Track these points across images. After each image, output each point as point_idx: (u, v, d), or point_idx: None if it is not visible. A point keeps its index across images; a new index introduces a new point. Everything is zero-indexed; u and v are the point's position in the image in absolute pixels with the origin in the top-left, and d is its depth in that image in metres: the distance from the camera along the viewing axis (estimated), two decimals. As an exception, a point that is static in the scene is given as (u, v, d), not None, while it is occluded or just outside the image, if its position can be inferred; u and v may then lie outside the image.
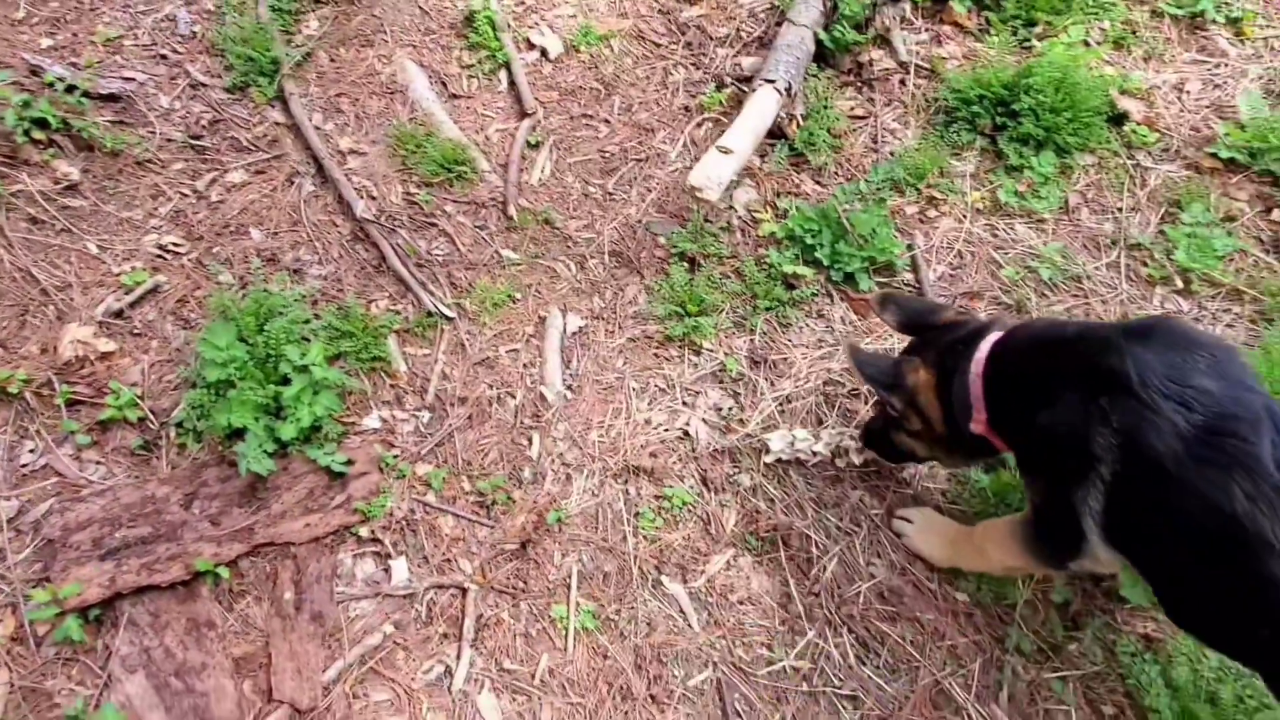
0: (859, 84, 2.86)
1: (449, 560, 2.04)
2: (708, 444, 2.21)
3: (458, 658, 1.91)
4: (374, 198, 2.61)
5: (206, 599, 1.94)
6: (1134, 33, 2.92)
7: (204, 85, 2.79)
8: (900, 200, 2.61)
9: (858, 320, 2.41)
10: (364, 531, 2.05)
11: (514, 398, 2.28)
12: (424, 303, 2.39)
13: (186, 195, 2.57)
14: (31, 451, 2.09)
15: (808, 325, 2.40)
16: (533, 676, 1.90)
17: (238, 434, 2.05)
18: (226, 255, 2.47)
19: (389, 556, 2.03)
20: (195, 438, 2.12)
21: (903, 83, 2.85)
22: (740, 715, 1.87)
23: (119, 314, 2.31)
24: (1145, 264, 2.47)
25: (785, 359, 2.34)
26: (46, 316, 2.28)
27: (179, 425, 2.14)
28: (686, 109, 2.85)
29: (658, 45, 3.01)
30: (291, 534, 2.02)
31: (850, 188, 2.59)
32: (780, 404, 2.26)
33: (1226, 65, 2.84)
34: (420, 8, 3.05)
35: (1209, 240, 2.45)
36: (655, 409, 2.27)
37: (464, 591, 1.99)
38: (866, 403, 2.25)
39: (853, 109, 2.81)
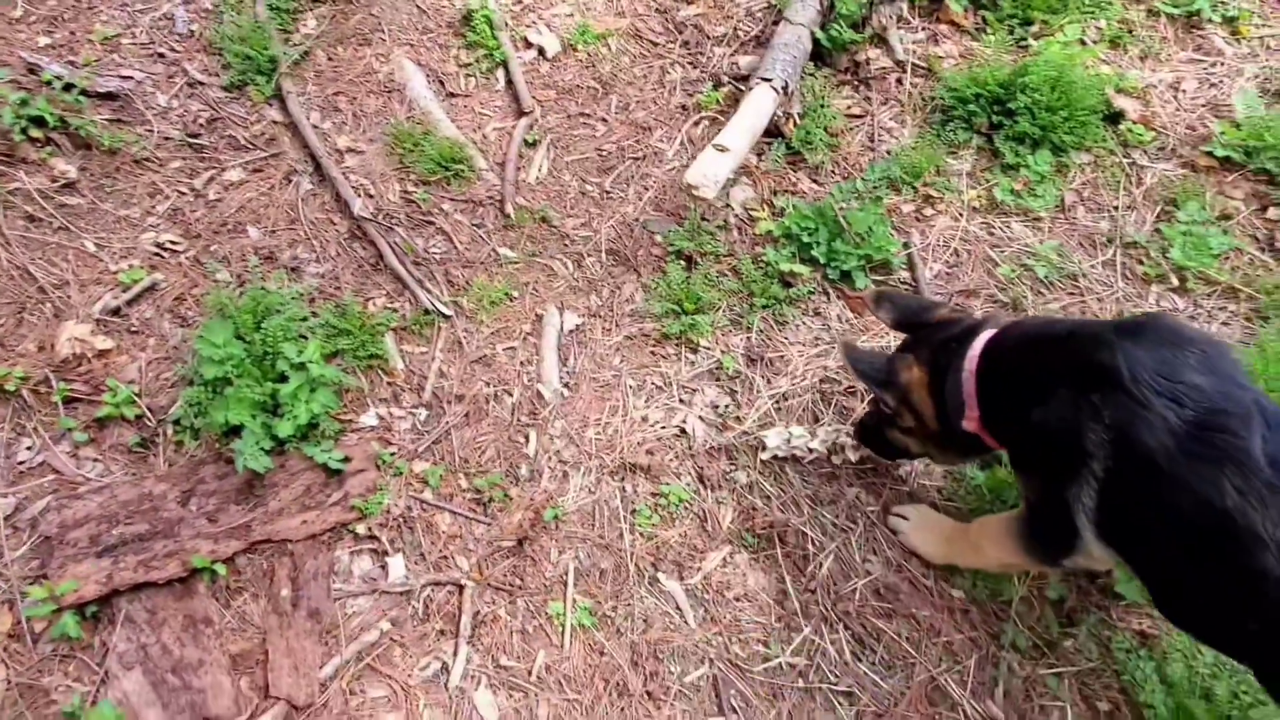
0: (856, 83, 2.87)
1: (446, 557, 2.04)
2: (704, 441, 2.21)
3: (454, 654, 1.91)
4: (371, 196, 2.61)
5: (204, 596, 1.95)
6: (1130, 32, 2.93)
7: (201, 84, 2.79)
8: (897, 198, 2.62)
9: (854, 318, 2.41)
10: (361, 528, 2.06)
11: (511, 395, 2.28)
12: (421, 301, 2.39)
13: (184, 193, 2.57)
14: (29, 449, 2.09)
15: (804, 323, 2.40)
16: (529, 673, 1.90)
17: (235, 431, 2.05)
18: (224, 253, 2.47)
19: (386, 553, 2.04)
20: (192, 435, 2.13)
21: (899, 81, 2.85)
22: (736, 711, 1.87)
23: (116, 312, 2.31)
24: (1141, 262, 2.47)
25: (782, 356, 2.34)
26: (44, 314, 2.28)
27: (176, 423, 2.14)
28: (684, 108, 2.86)
29: (655, 44, 3.02)
30: (289, 531, 2.02)
31: (847, 186, 2.60)
32: (777, 401, 2.27)
33: (1222, 64, 2.85)
34: (418, 7, 3.05)
35: (1204, 238, 2.46)
36: (652, 406, 2.27)
37: (461, 588, 1.99)
38: (862, 400, 2.25)
39: (849, 108, 2.81)
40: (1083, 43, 2.87)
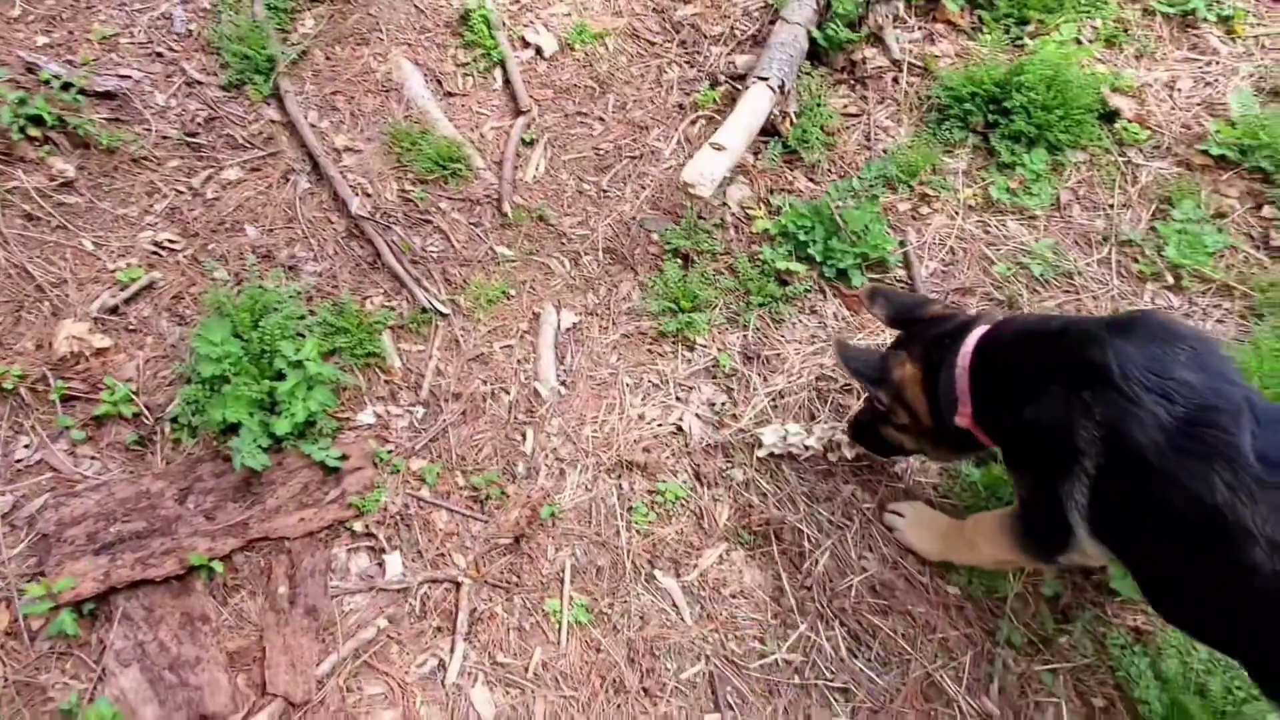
0: (852, 82, 2.88)
1: (443, 555, 2.05)
2: (701, 439, 2.22)
3: (451, 651, 1.91)
4: (369, 195, 2.62)
5: (201, 593, 1.95)
6: (1126, 31, 2.94)
7: (199, 83, 2.80)
8: (893, 197, 2.62)
9: (850, 316, 2.42)
10: (358, 526, 2.06)
11: (508, 393, 2.29)
12: (418, 299, 2.40)
13: (182, 192, 2.58)
14: (26, 447, 2.09)
15: (800, 321, 2.41)
16: (526, 670, 1.91)
17: (232, 429, 2.05)
18: (222, 252, 2.47)
19: (383, 551, 2.04)
20: (190, 433, 2.13)
21: (896, 80, 2.86)
22: (732, 708, 1.88)
23: (114, 310, 2.32)
24: (1136, 260, 2.48)
25: (778, 354, 2.35)
26: (42, 312, 2.29)
27: (174, 420, 2.15)
28: (680, 107, 2.87)
29: (652, 43, 3.02)
30: (286, 529, 2.03)
31: (843, 185, 2.60)
32: (773, 399, 2.27)
33: (1218, 63, 2.86)
34: (416, 6, 3.06)
35: (1200, 236, 2.46)
36: (649, 404, 2.28)
37: (458, 585, 2.00)
38: (858, 398, 2.26)
39: (846, 106, 2.82)
40: (1078, 42, 2.88)
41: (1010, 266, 2.47)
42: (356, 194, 2.58)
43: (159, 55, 2.84)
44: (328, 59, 2.91)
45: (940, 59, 2.89)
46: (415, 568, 2.02)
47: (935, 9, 2.99)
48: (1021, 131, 2.62)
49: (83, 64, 2.71)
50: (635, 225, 2.60)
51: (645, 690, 1.89)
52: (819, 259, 2.44)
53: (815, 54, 2.84)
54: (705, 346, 2.37)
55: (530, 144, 2.77)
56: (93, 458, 2.10)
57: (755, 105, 2.55)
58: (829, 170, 2.69)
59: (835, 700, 1.89)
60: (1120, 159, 2.66)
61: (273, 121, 2.75)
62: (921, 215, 2.60)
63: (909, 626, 1.96)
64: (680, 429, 2.23)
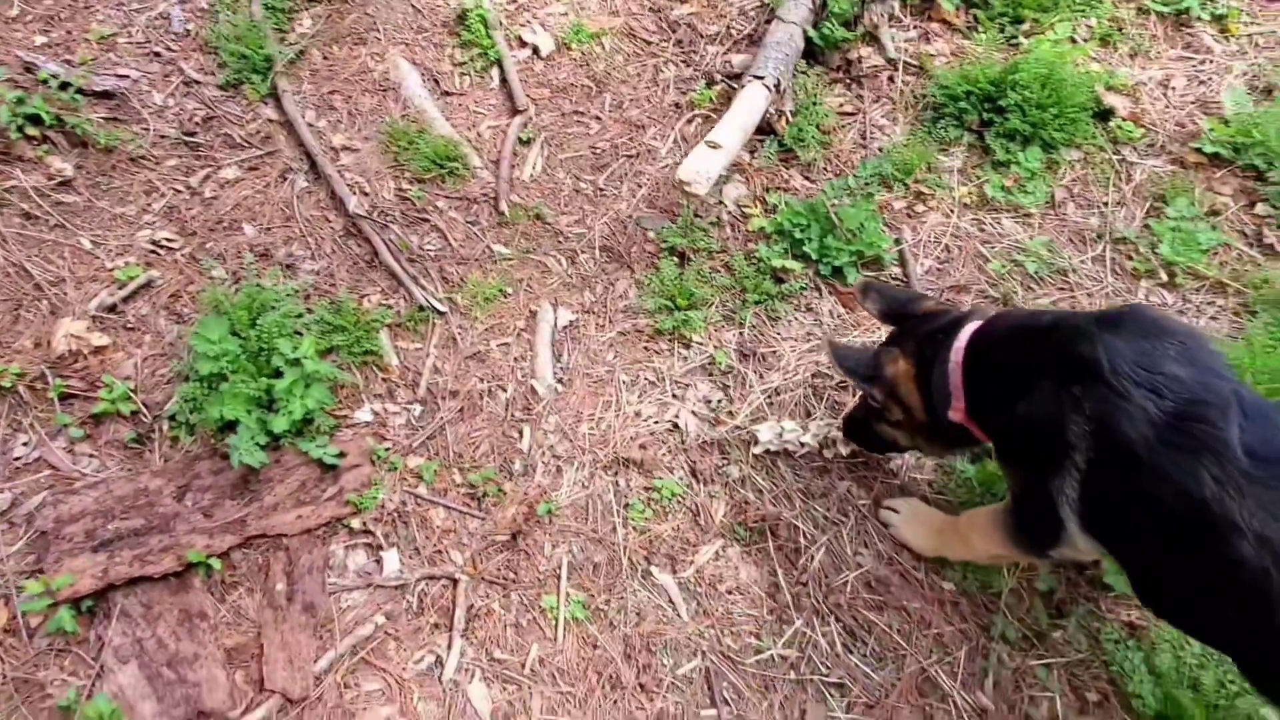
0: (848, 81, 2.89)
1: (440, 551, 2.06)
2: (697, 436, 2.23)
3: (448, 648, 1.92)
4: (366, 194, 2.63)
5: (199, 590, 1.96)
6: (1120, 30, 2.95)
7: (197, 82, 2.81)
8: (888, 195, 2.63)
9: (846, 314, 2.43)
10: (355, 523, 2.07)
11: (505, 391, 2.30)
12: (416, 297, 2.40)
13: (180, 191, 2.59)
14: (25, 445, 2.10)
15: (796, 318, 2.42)
16: (523, 666, 1.91)
17: (230, 427, 2.06)
18: (219, 250, 2.48)
19: (380, 548, 2.05)
20: (188, 431, 2.14)
21: (891, 79, 2.87)
22: (728, 703, 1.89)
23: (112, 309, 2.33)
24: (1130, 257, 2.49)
25: (774, 352, 2.36)
26: (40, 311, 2.30)
27: (172, 418, 2.16)
28: (677, 106, 2.88)
29: (649, 43, 3.03)
30: (283, 526, 2.03)
31: (839, 183, 2.61)
32: (769, 396, 2.28)
33: (1211, 62, 2.87)
34: (413, 6, 3.07)
35: (1193, 234, 2.47)
36: (645, 402, 2.29)
37: (455, 582, 2.01)
38: (854, 395, 2.27)
39: (841, 105, 2.83)
40: (1073, 40, 2.89)
41: (1005, 264, 2.48)
42: (354, 193, 2.59)
43: (157, 55, 2.85)
44: (325, 58, 2.92)
45: (935, 58, 2.90)
46: (413, 564, 2.03)
47: (930, 8, 3.00)
48: (1016, 130, 2.63)
49: (81, 63, 2.72)
50: (632, 223, 2.61)
51: (642, 686, 1.90)
52: (815, 257, 2.45)
53: (811, 53, 2.85)
54: (701, 344, 2.38)
55: (527, 143, 2.78)
56: (91, 455, 2.11)
57: (751, 104, 2.56)
58: (825, 168, 2.70)
59: (831, 695, 1.90)
60: (1114, 157, 2.67)
61: (270, 121, 2.76)
62: (917, 213, 2.61)
63: (904, 622, 1.97)
64: (676, 426, 2.24)
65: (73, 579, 1.88)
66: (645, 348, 2.39)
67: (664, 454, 2.20)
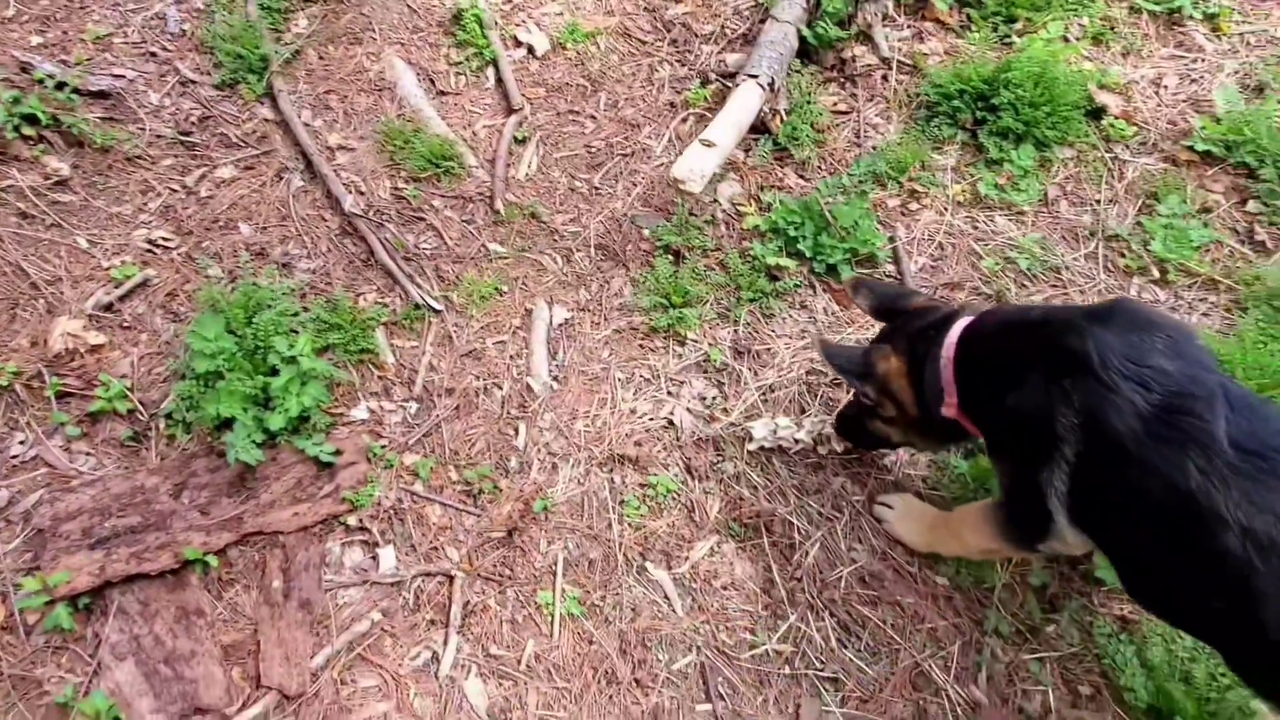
0: (842, 79, 2.90)
1: (436, 548, 2.06)
2: (692, 433, 2.24)
3: (445, 644, 1.93)
4: (362, 193, 2.63)
5: (196, 587, 1.96)
6: (1112, 29, 2.96)
7: (193, 82, 2.81)
8: (882, 193, 2.65)
9: (840, 311, 2.44)
10: (352, 520, 2.08)
11: (501, 388, 2.31)
12: (412, 295, 2.41)
13: (176, 191, 2.60)
14: (22, 443, 2.11)
15: (791, 316, 2.43)
16: (519, 662, 1.92)
17: (226, 424, 2.07)
18: (216, 250, 2.49)
19: (377, 545, 2.06)
20: (184, 428, 2.15)
21: (885, 78, 2.88)
22: (723, 698, 1.90)
23: (109, 307, 2.33)
24: (1123, 255, 2.51)
25: (768, 349, 2.37)
26: (36, 310, 2.30)
27: (168, 416, 2.16)
28: (672, 105, 2.89)
29: (644, 42, 3.05)
30: (280, 523, 2.04)
31: (833, 181, 2.63)
32: (763, 393, 2.30)
33: (1203, 60, 2.89)
34: (408, 6, 3.08)
35: (1185, 231, 2.49)
36: (640, 399, 2.30)
37: (451, 579, 2.01)
38: (848, 391, 2.28)
39: (836, 104, 2.84)
40: (1066, 39, 2.91)
41: (998, 261, 2.50)
42: (350, 192, 2.60)
43: (153, 55, 2.85)
44: (321, 58, 2.93)
45: (929, 57, 2.92)
46: (409, 561, 2.04)
47: (924, 7, 3.02)
48: (1009, 128, 2.64)
49: (77, 63, 2.73)
50: (627, 222, 2.62)
51: (637, 681, 1.91)
52: (809, 254, 2.46)
53: (805, 52, 2.87)
54: (696, 341, 2.39)
55: (522, 142, 2.79)
56: (88, 453, 2.12)
57: (745, 102, 2.57)
58: (819, 167, 2.71)
59: (825, 690, 1.91)
60: (1107, 155, 2.69)
61: (266, 120, 2.77)
62: (910, 211, 2.62)
63: (898, 617, 1.98)
64: (671, 423, 2.25)
65: (70, 576, 1.89)
66: (640, 345, 2.40)
67: (659, 451, 2.21)
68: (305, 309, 2.33)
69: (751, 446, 2.18)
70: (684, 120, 2.84)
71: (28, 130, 2.53)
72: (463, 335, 2.39)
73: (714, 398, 2.30)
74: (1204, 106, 2.76)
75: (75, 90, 2.61)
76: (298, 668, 1.88)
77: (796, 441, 2.18)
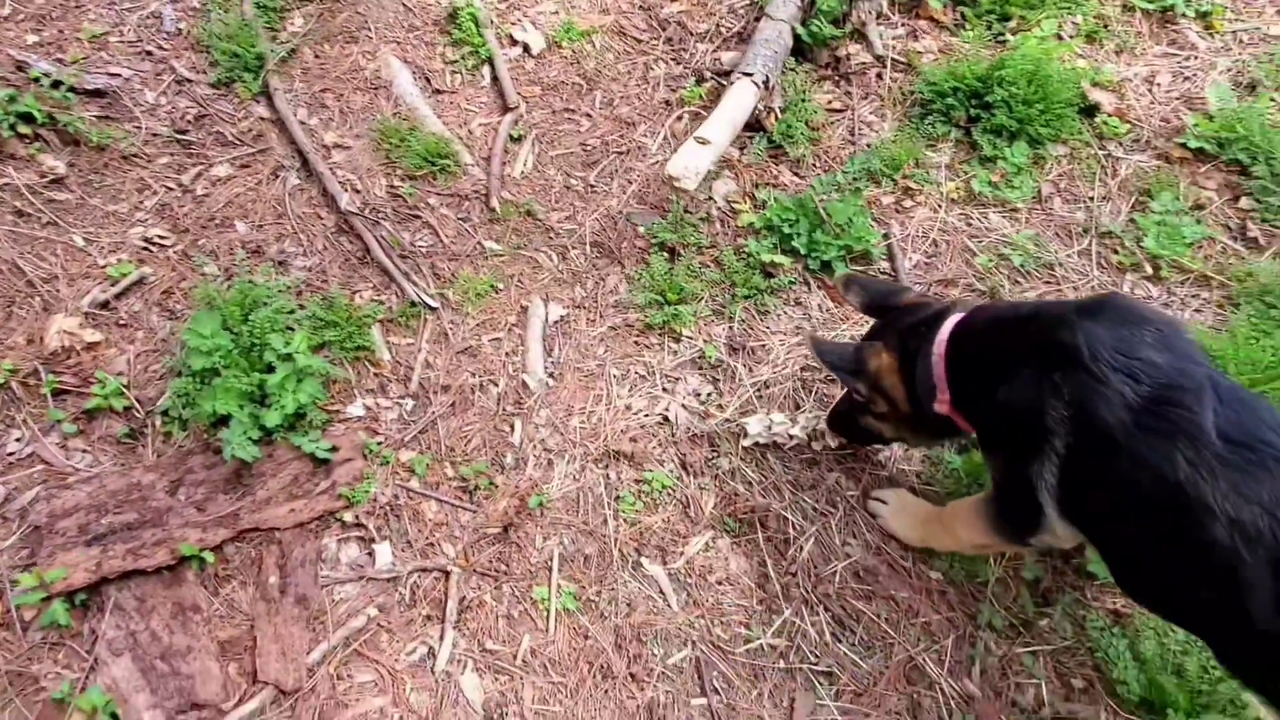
0: (836, 78, 2.91)
1: (432, 544, 2.07)
2: (687, 429, 2.24)
3: (441, 639, 1.94)
4: (358, 191, 2.64)
5: (192, 583, 1.97)
6: (1106, 27, 2.98)
7: (189, 81, 2.82)
8: (876, 190, 2.66)
9: (835, 307, 2.45)
10: (348, 517, 2.09)
11: (496, 385, 2.31)
12: (408, 293, 2.42)
13: (172, 189, 2.60)
14: (18, 440, 2.11)
15: (785, 312, 2.44)
16: (514, 657, 1.93)
17: (223, 421, 2.08)
18: (212, 247, 2.49)
19: (373, 541, 2.06)
20: (181, 426, 2.15)
21: (879, 76, 2.89)
22: (718, 692, 1.90)
23: (105, 305, 2.34)
24: (1116, 251, 2.52)
25: (763, 345, 2.38)
26: (33, 308, 2.31)
27: (165, 413, 2.17)
28: (667, 103, 2.90)
29: (639, 41, 3.05)
30: (276, 519, 2.05)
31: (827, 179, 2.64)
32: (758, 389, 2.30)
33: (1196, 58, 2.90)
34: (404, 5, 3.08)
35: (1178, 228, 2.50)
36: (636, 395, 2.31)
37: (447, 574, 2.02)
38: (842, 387, 2.29)
39: (830, 102, 2.85)
40: (1059, 37, 2.92)
41: (992, 258, 2.51)
42: (346, 190, 2.60)
43: (149, 53, 2.86)
44: (317, 57, 2.93)
45: (923, 55, 2.93)
46: (405, 557, 2.05)
47: (918, 6, 3.03)
48: (1003, 126, 2.65)
49: (72, 62, 2.73)
50: (622, 219, 2.63)
51: (632, 676, 1.92)
52: (803, 251, 2.47)
53: (800, 50, 2.88)
54: (691, 338, 2.40)
55: (518, 140, 2.79)
56: (84, 450, 2.12)
57: (740, 100, 2.58)
58: (813, 164, 2.72)
59: (819, 683, 1.92)
60: (1100, 152, 2.70)
61: (262, 119, 2.78)
62: (905, 208, 2.64)
63: (892, 611, 1.99)
64: (667, 419, 2.26)
65: (66, 572, 1.89)
66: (636, 342, 2.41)
67: (654, 447, 2.22)
68: (301, 306, 2.34)
69: (746, 442, 2.19)
70: (679, 118, 2.85)
71: (23, 128, 2.53)
72: (458, 332, 2.40)
73: (709, 394, 2.31)
74: (1197, 104, 2.78)
75: (71, 89, 2.62)
76: (294, 663, 1.88)
77: (791, 437, 2.19)
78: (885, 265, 2.52)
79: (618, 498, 2.14)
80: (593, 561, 2.06)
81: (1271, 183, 2.54)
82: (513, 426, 2.24)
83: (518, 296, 2.47)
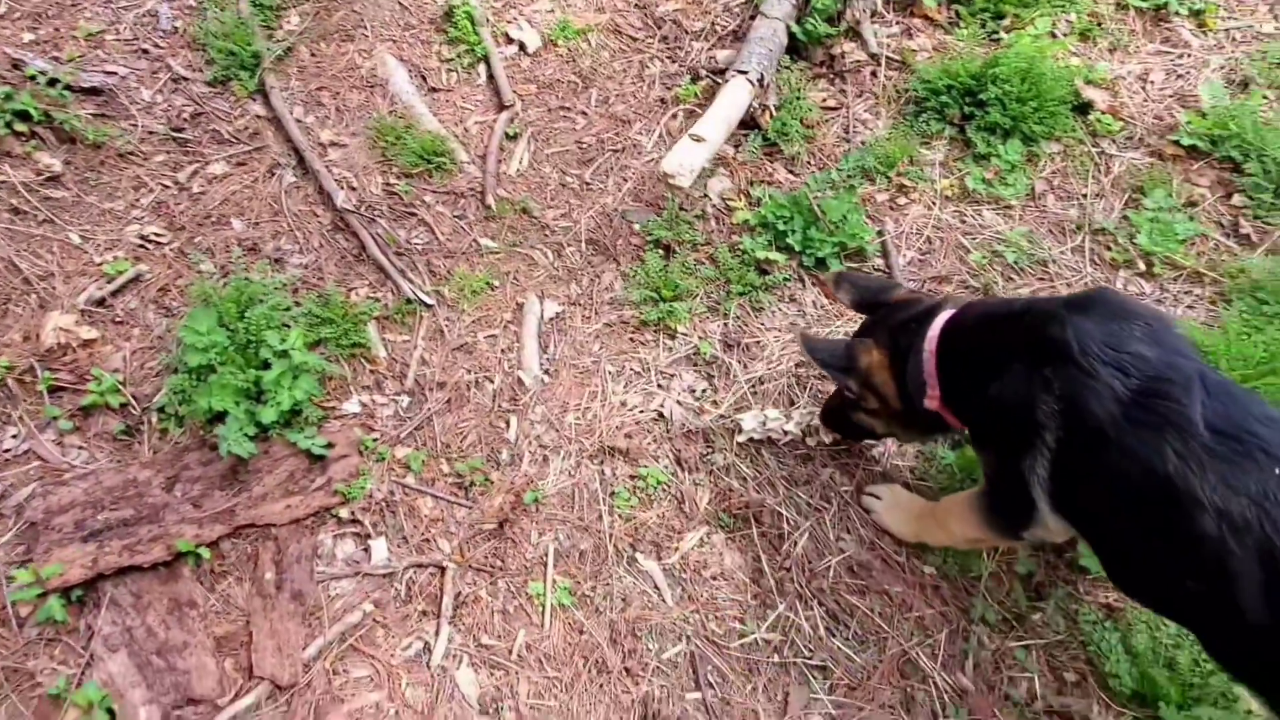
0: (831, 75, 2.92)
1: (428, 540, 2.08)
2: (682, 425, 2.25)
3: (436, 634, 1.94)
4: (354, 188, 2.65)
5: (188, 579, 1.97)
6: (1099, 25, 2.99)
7: (185, 79, 2.82)
8: (871, 188, 2.67)
9: (828, 304, 2.46)
10: (344, 513, 2.09)
11: (492, 382, 2.32)
12: (403, 290, 2.43)
13: (168, 186, 2.60)
14: (14, 437, 2.11)
15: (780, 309, 2.45)
16: (510, 651, 1.94)
17: (219, 418, 2.08)
18: (208, 245, 2.50)
19: (369, 537, 2.07)
20: (177, 422, 2.16)
21: (874, 74, 2.90)
22: (713, 686, 1.91)
23: (101, 302, 2.34)
24: (1109, 248, 2.53)
25: (758, 342, 2.39)
26: (29, 305, 2.31)
27: (160, 410, 2.17)
28: (662, 101, 2.91)
29: (634, 39, 3.06)
30: (272, 515, 2.05)
31: (822, 176, 2.65)
32: (753, 385, 2.31)
33: (1189, 56, 2.92)
34: (400, 3, 3.09)
35: (1171, 225, 2.51)
36: (631, 391, 2.31)
37: (442, 570, 2.03)
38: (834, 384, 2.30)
39: (825, 100, 2.86)
40: (1053, 35, 2.93)
41: (986, 255, 2.52)
42: (342, 188, 2.61)
43: (145, 52, 2.86)
44: (313, 55, 2.94)
45: (917, 53, 2.94)
46: (400, 553, 2.05)
47: (913, 4, 3.04)
48: (997, 123, 2.67)
49: (69, 60, 2.73)
50: (617, 217, 2.64)
51: (627, 670, 1.92)
52: (798, 248, 2.48)
53: (794, 48, 2.89)
54: (686, 335, 2.40)
55: (514, 138, 2.80)
56: (80, 447, 2.13)
57: (734, 98, 2.59)
58: (808, 162, 2.73)
59: (814, 678, 1.92)
60: (1094, 150, 2.71)
61: (258, 117, 2.78)
62: (899, 205, 2.65)
63: (886, 605, 2.00)
64: (662, 415, 2.27)
65: (62, 568, 1.90)
66: (631, 339, 2.41)
67: (649, 443, 2.23)
68: (297, 303, 2.34)
69: (741, 438, 2.20)
70: (674, 116, 2.86)
71: (20, 126, 2.53)
72: (454, 329, 2.40)
73: (704, 390, 2.32)
74: (1190, 101, 2.79)
75: (67, 87, 2.62)
76: (290, 658, 1.89)
77: (785, 433, 2.20)
78: (880, 262, 2.53)
79: (613, 493, 2.15)
80: (588, 557, 2.07)
81: (1263, 180, 2.55)
82: (508, 423, 2.25)
83: (513, 293, 2.48)
